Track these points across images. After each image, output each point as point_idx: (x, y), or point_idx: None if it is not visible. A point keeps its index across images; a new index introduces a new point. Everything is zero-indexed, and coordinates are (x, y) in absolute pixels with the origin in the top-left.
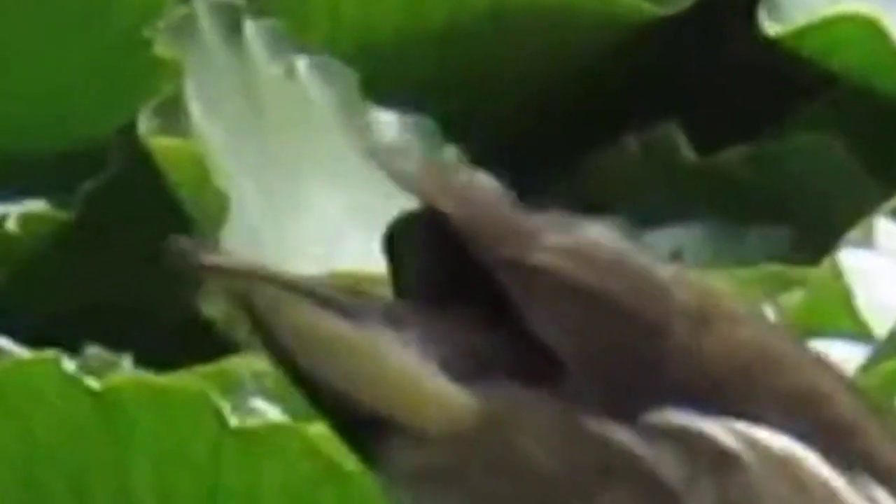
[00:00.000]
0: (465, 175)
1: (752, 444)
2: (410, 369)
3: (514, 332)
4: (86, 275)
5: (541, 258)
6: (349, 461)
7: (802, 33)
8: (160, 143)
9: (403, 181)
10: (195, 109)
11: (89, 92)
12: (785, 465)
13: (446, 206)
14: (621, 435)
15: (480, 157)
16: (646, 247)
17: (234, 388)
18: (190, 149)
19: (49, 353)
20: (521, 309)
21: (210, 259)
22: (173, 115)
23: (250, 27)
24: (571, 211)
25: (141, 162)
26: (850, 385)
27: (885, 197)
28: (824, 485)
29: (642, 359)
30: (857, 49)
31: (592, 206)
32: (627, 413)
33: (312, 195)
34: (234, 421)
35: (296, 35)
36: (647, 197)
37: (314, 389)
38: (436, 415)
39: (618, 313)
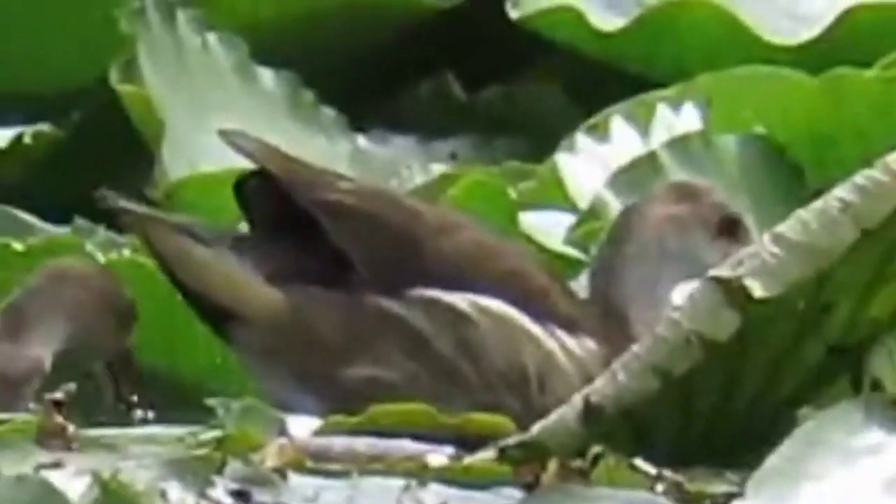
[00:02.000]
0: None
1: (479, 307)
2: (243, 279)
3: (323, 252)
4: (76, 171)
5: (337, 196)
6: None
7: (534, 17)
8: (124, 88)
9: (246, 153)
10: (146, 67)
11: (78, 53)
12: (501, 321)
13: (275, 169)
14: (392, 305)
15: (326, 99)
16: (433, 151)
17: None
18: (142, 92)
19: (71, 235)
20: (326, 230)
21: (122, 204)
22: (132, 70)
23: (180, 14)
24: (385, 132)
25: (112, 99)
26: (538, 261)
27: (584, 119)
28: (526, 332)
29: (405, 257)
30: (567, 27)
31: (399, 128)
32: (396, 293)
33: (217, 120)
34: None
35: (209, 18)
36: (434, 121)
37: (187, 291)
38: (259, 308)
39: (388, 229)
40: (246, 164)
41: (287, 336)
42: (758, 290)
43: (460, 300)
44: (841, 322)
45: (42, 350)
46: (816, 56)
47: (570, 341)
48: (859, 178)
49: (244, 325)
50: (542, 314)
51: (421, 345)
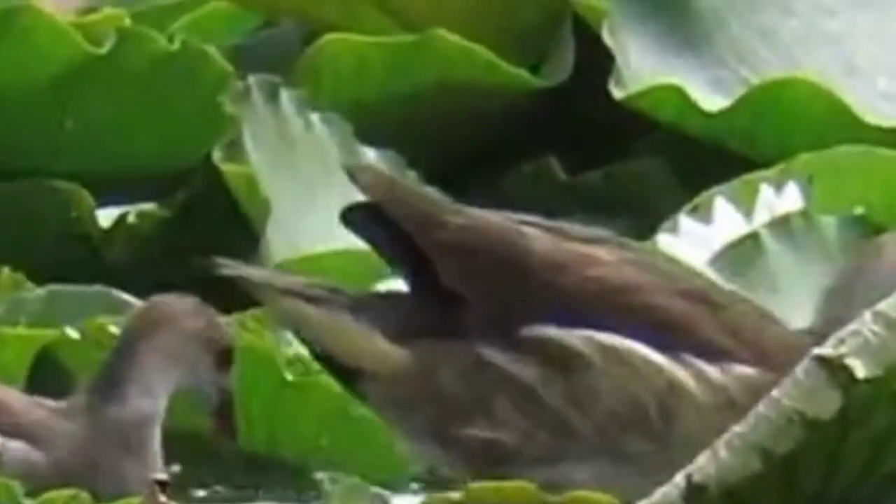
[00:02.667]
0: (401, 180)
1: (594, 343)
2: (360, 335)
3: (435, 291)
4: (180, 250)
5: (447, 236)
6: None
7: (637, 96)
8: (228, 168)
9: (364, 188)
10: (249, 147)
11: (184, 134)
12: (620, 355)
13: (388, 204)
14: (502, 357)
15: (429, 178)
16: None
17: (272, 324)
18: (246, 171)
19: None
20: (438, 267)
21: (233, 271)
22: (236, 150)
23: (283, 94)
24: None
25: (216, 179)
26: (688, 291)
27: (686, 201)
28: (648, 362)
29: (519, 293)
30: (671, 106)
31: (501, 209)
32: (510, 331)
33: (320, 199)
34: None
35: (313, 99)
36: (535, 201)
37: (314, 353)
38: (381, 364)
39: (500, 265)
40: (345, 245)
41: (410, 391)
42: (860, 370)
43: (574, 338)
44: None
45: (152, 402)
46: None
47: (710, 368)
48: None
49: (370, 381)
50: (675, 344)
51: (532, 399)
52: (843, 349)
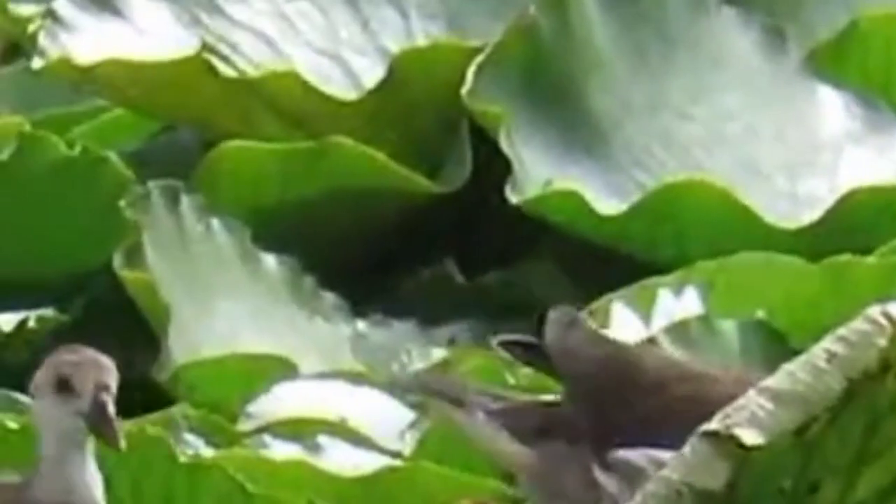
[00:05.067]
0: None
1: (656, 461)
2: (492, 438)
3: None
4: None
5: (579, 366)
6: (251, 485)
7: (534, 201)
8: (127, 273)
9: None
10: (149, 252)
11: (83, 239)
12: None
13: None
14: (599, 474)
15: (328, 283)
16: (433, 336)
17: (173, 427)
18: (146, 277)
19: None
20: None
21: (420, 380)
22: (136, 255)
23: (184, 199)
24: (385, 317)
25: (116, 284)
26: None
27: (584, 306)
28: None
29: (619, 419)
30: (568, 211)
31: (399, 313)
32: (607, 453)
33: (220, 305)
34: (182, 458)
35: (212, 204)
36: (434, 306)
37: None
38: (516, 463)
39: (607, 394)
40: (246, 349)
41: (546, 490)
42: (748, 438)
43: (639, 456)
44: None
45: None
46: (817, 238)
47: None
48: (843, 329)
49: (518, 479)
50: None
51: None
52: (728, 422)
